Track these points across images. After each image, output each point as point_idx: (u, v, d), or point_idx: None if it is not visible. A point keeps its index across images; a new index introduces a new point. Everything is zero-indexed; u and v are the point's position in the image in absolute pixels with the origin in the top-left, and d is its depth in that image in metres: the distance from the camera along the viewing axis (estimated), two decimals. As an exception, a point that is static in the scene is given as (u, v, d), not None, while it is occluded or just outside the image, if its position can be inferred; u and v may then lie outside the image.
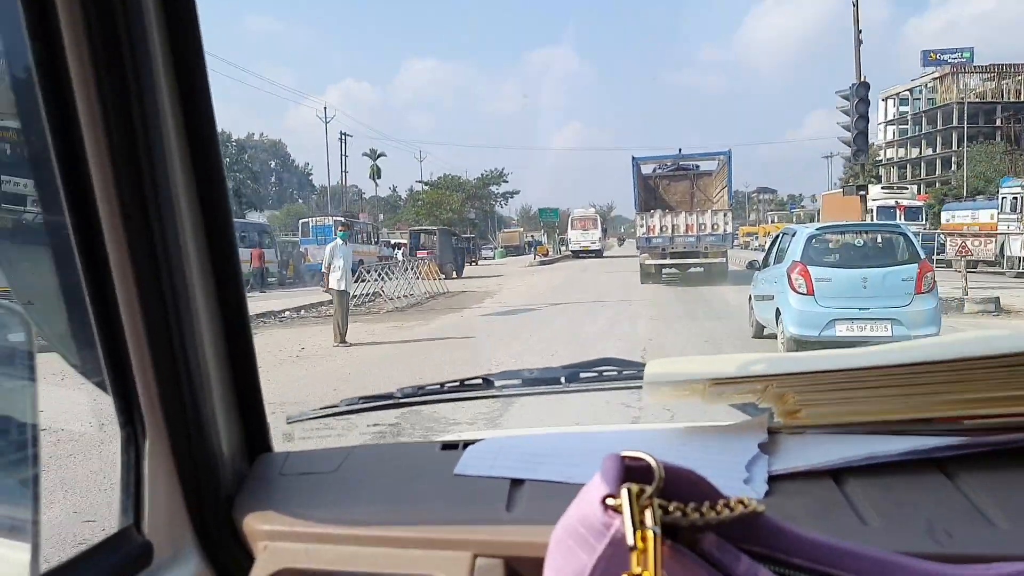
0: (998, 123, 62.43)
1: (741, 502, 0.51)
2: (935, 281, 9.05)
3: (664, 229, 21.31)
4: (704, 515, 0.49)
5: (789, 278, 9.14)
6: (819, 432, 0.99)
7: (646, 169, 25.15)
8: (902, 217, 27.95)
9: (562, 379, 1.27)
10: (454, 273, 30.25)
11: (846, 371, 0.96)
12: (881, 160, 78.03)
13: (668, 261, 22.25)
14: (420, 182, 73.10)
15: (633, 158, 23.67)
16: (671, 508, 0.48)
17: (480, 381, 1.29)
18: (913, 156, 75.92)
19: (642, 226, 21.72)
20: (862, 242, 10.17)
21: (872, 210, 27.64)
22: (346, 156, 61.68)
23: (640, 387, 1.06)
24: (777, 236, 11.43)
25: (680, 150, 25.86)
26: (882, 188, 32.77)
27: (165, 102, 0.83)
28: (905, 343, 0.90)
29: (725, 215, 21.45)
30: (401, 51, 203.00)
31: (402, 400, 1.28)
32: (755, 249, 54.87)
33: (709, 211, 21.63)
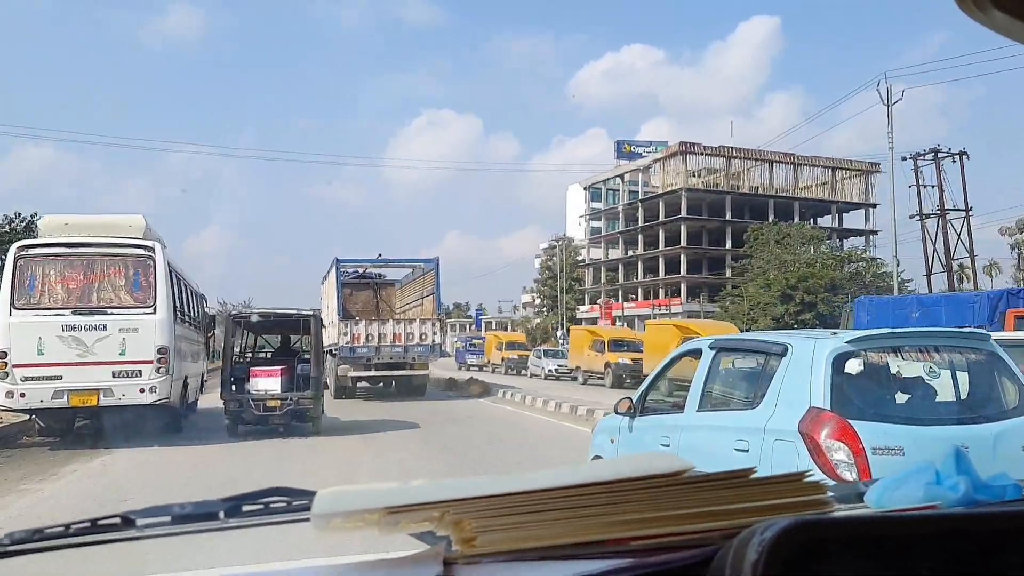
0: (728, 216, 51.01)
1: None
2: None
3: (371, 338, 20.46)
4: None
5: (813, 444, 4.22)
6: (494, 560, 0.95)
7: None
8: None
9: (221, 513, 1.11)
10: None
11: (518, 494, 0.94)
12: (584, 260, 63.36)
13: (372, 373, 21.25)
14: None
15: (336, 260, 22.30)
16: None
17: (118, 520, 1.07)
18: (627, 256, 58.83)
19: (345, 334, 20.41)
20: (935, 370, 4.83)
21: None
22: None
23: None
24: (681, 355, 5.99)
25: (380, 254, 24.38)
26: None
27: None
28: (576, 466, 0.91)
29: (433, 325, 21.11)
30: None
31: (10, 548, 1.02)
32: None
33: (417, 320, 21.31)
